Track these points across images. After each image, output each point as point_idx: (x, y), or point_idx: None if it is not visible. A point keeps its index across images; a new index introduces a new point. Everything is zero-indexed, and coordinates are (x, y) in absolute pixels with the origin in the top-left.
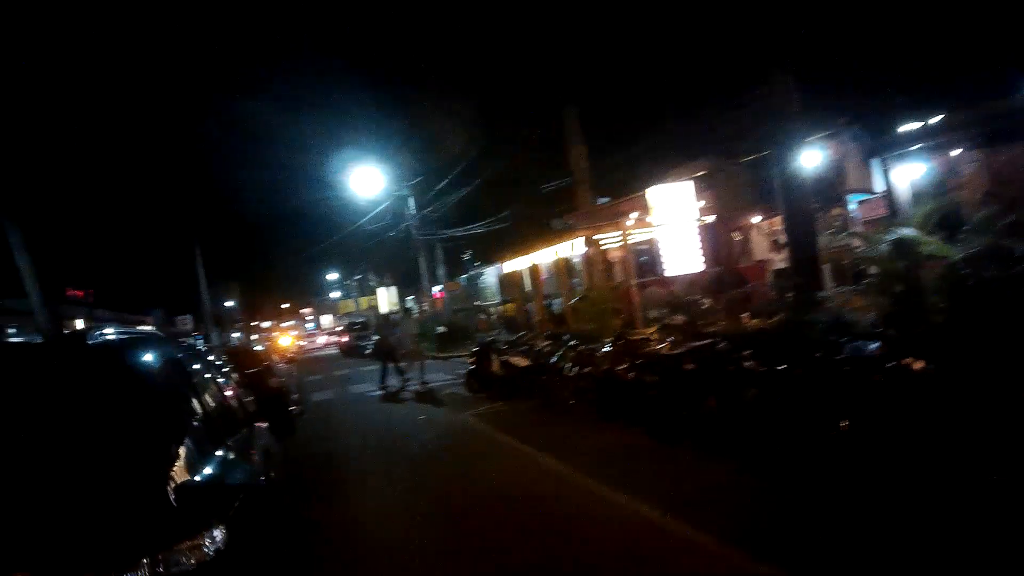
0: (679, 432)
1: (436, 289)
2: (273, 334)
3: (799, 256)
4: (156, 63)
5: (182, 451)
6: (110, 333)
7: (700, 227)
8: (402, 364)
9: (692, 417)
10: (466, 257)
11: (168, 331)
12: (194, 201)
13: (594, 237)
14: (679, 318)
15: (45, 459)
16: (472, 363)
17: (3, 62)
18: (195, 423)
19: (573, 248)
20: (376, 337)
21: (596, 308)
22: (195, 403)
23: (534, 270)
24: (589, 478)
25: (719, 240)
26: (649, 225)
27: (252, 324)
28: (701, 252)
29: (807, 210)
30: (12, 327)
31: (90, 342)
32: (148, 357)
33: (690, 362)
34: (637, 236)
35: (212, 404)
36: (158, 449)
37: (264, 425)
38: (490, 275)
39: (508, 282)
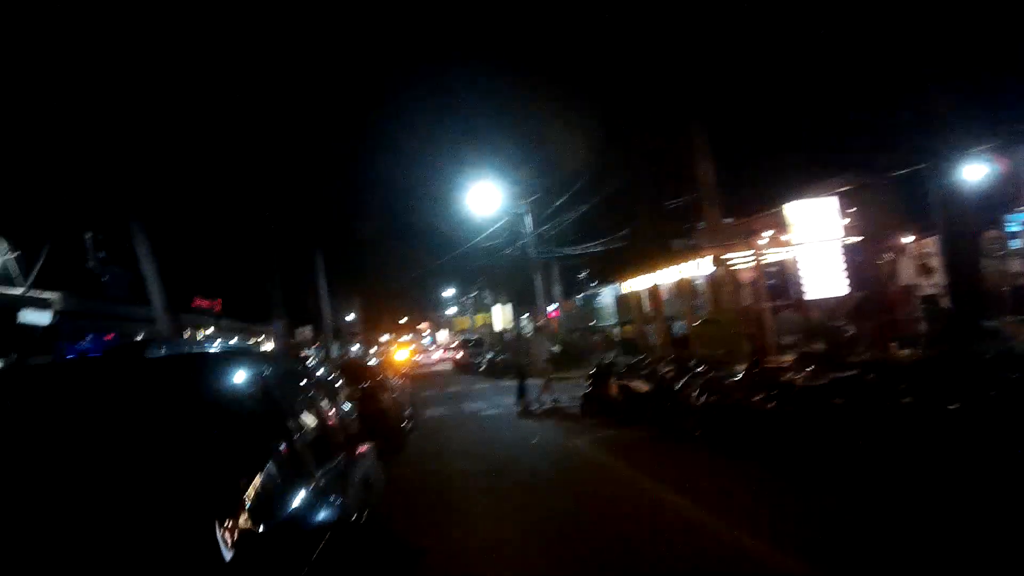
0: (824, 473)
1: (551, 308)
2: (391, 348)
3: (957, 281)
4: (283, 80)
5: (252, 488)
6: (184, 346)
7: (843, 248)
8: (528, 382)
9: (839, 457)
10: (582, 276)
11: (287, 343)
12: (319, 215)
13: (723, 257)
14: (818, 346)
15: (75, 492)
16: (589, 386)
17: (143, 72)
18: (277, 453)
19: (698, 268)
20: (491, 355)
21: (724, 332)
22: (281, 429)
23: (654, 290)
24: (722, 522)
25: (864, 262)
26: (784, 244)
27: (371, 337)
28: (845, 275)
29: (969, 230)
30: (141, 334)
31: (148, 355)
32: (219, 375)
33: (837, 396)
34: (770, 256)
35: (305, 430)
36: (216, 486)
37: (367, 448)
38: (607, 295)
39: (626, 303)
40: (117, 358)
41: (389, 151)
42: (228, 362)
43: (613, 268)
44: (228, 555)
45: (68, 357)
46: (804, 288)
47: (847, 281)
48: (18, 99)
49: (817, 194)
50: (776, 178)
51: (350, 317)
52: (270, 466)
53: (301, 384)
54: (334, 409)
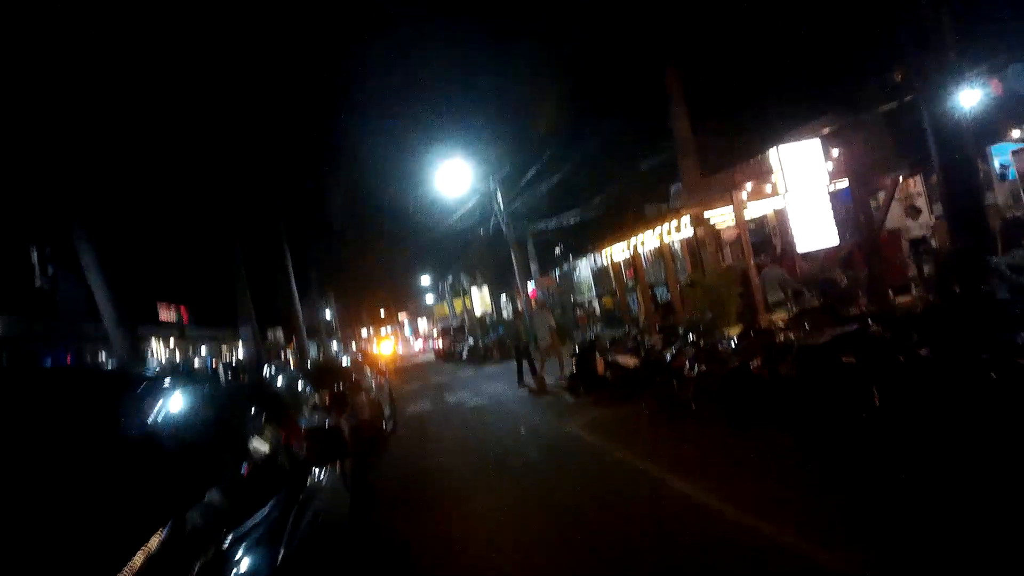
0: (842, 442)
1: (530, 286)
2: (371, 344)
3: (957, 215)
4: (239, 55)
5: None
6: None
7: (831, 193)
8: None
9: (856, 422)
10: (558, 251)
11: (258, 347)
12: (283, 207)
13: (703, 215)
14: (813, 301)
15: None
16: (574, 365)
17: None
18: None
19: (679, 230)
20: (471, 342)
21: (710, 295)
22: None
23: (635, 257)
24: (735, 507)
25: (854, 207)
26: (768, 196)
27: (349, 333)
28: (833, 223)
29: (968, 157)
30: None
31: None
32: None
33: (844, 353)
34: (753, 210)
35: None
36: None
37: (325, 473)
38: (583, 268)
39: (604, 273)
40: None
41: (354, 135)
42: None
43: (589, 239)
44: None
45: None
46: (793, 240)
47: (836, 230)
48: None
49: (800, 137)
50: (756, 124)
51: (327, 315)
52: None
53: (231, 418)
54: (272, 439)
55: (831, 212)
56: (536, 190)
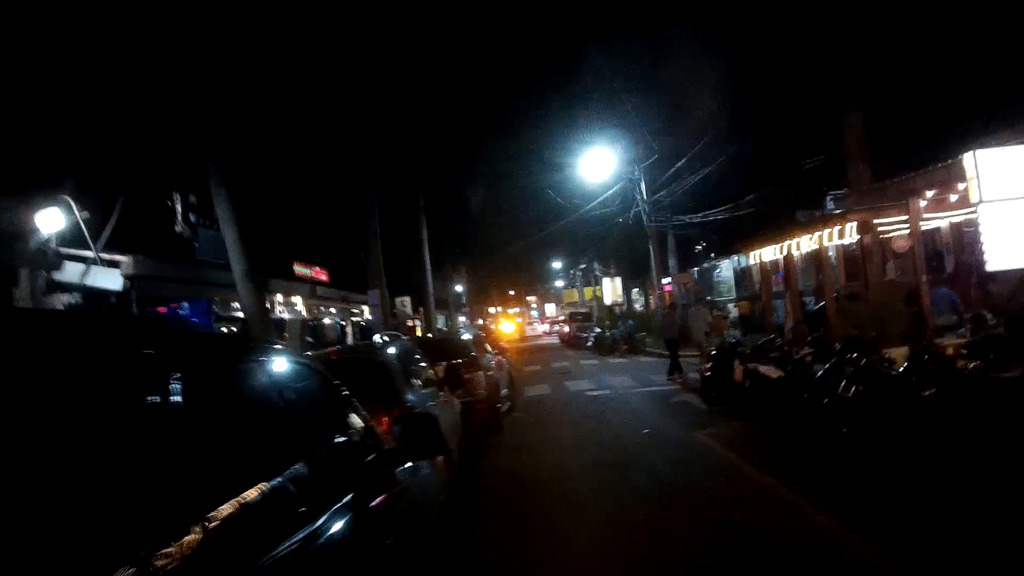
0: None
1: (666, 281)
2: (497, 321)
3: None
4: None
5: None
6: None
7: None
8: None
9: None
10: (699, 249)
11: (385, 313)
12: (423, 179)
13: (874, 222)
14: (998, 328)
15: None
16: (708, 369)
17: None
18: None
19: (842, 236)
20: (598, 331)
21: (874, 311)
22: None
23: (789, 261)
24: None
25: None
26: (951, 207)
27: (477, 309)
28: None
29: None
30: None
31: None
32: None
33: None
34: (935, 221)
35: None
36: None
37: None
38: (725, 269)
39: (747, 276)
40: None
41: (498, 114)
42: None
43: (735, 238)
44: None
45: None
46: (974, 258)
47: None
48: (88, 37)
49: (1004, 142)
50: (941, 127)
51: (458, 288)
52: None
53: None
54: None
55: None
56: (682, 183)
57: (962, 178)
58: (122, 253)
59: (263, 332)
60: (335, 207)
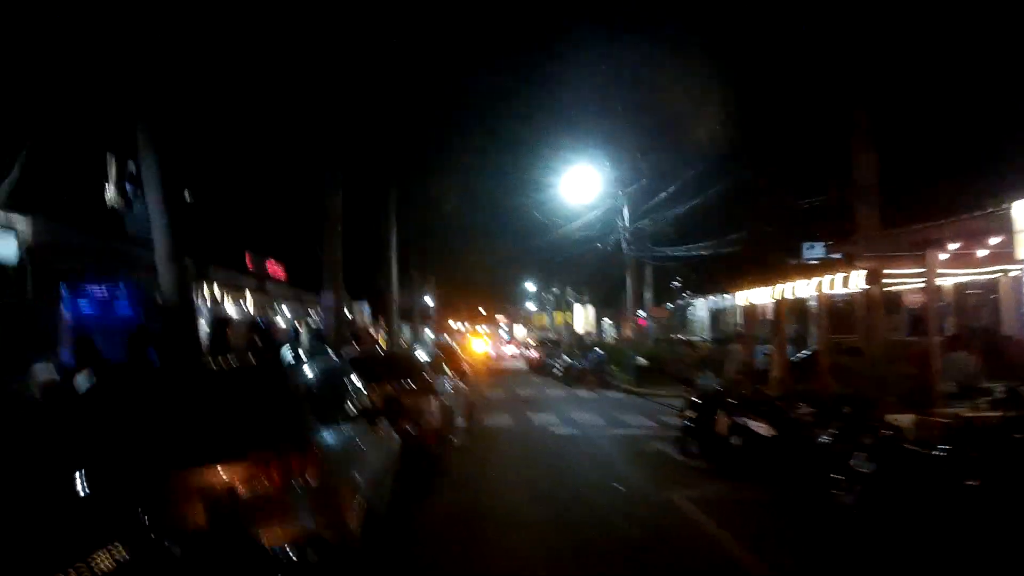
0: None
1: (640, 314)
2: (464, 338)
3: None
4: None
5: None
6: None
7: None
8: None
9: None
10: (676, 285)
11: (339, 317)
12: (397, 181)
13: (883, 272)
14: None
15: None
16: (691, 419)
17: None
18: None
19: (845, 284)
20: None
21: (872, 367)
22: None
23: (780, 305)
24: None
25: None
26: (977, 263)
27: (444, 323)
28: None
29: None
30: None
31: None
32: None
33: None
34: (959, 276)
35: None
36: None
37: None
38: (700, 308)
39: (722, 317)
40: None
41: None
42: None
43: (716, 276)
44: None
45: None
46: (997, 322)
47: None
48: None
49: None
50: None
51: (427, 299)
52: None
53: None
54: None
55: None
56: (667, 213)
57: (1000, 231)
58: (21, 213)
59: (183, 327)
60: (299, 197)
